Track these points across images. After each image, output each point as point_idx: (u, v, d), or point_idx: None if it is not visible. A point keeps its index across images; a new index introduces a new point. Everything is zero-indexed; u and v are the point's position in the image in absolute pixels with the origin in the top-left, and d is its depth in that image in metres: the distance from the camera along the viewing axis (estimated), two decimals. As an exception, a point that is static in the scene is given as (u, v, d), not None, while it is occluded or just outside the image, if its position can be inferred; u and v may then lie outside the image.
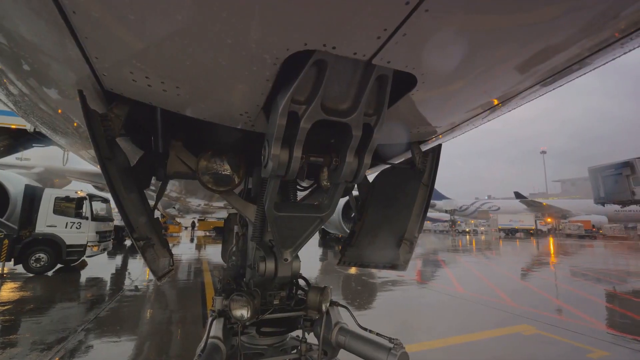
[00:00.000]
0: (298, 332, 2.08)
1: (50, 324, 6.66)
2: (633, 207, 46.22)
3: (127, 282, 11.23)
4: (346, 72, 1.07)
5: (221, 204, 7.14)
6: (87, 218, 12.65)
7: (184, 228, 42.68)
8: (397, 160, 2.27)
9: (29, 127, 11.11)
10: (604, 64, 1.25)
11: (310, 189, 2.42)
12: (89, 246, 12.47)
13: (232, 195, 1.93)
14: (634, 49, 1.15)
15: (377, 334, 1.76)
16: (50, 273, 11.94)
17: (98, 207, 13.93)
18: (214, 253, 20.50)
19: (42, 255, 11.75)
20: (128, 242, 24.71)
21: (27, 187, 12.55)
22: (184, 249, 23.28)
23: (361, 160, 1.29)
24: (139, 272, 13.21)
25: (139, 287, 10.49)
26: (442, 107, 1.45)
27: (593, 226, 45.75)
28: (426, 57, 1.02)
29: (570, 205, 52.24)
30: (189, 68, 1.07)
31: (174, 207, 16.48)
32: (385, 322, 7.31)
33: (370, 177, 2.51)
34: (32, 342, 5.64)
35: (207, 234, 39.22)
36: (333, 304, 2.00)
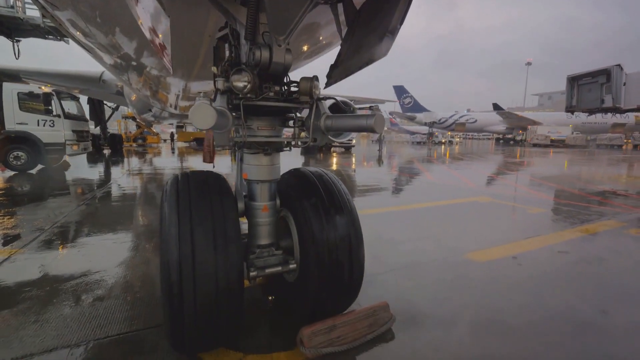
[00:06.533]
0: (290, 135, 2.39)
1: (45, 205, 7.04)
2: (599, 119, 48.77)
3: (111, 178, 11.53)
4: None
5: (202, 82, 6.91)
6: (59, 116, 12.08)
7: (162, 140, 41.68)
8: None
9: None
10: None
11: None
12: (68, 144, 12.25)
13: None
14: None
15: (360, 109, 2.08)
16: (33, 171, 11.93)
17: (68, 105, 13.19)
18: (198, 162, 20.67)
19: (20, 153, 11.54)
20: (107, 152, 24.27)
21: (-19, 81, 11.49)
22: (167, 160, 23.23)
23: None
24: (119, 173, 13.45)
25: (121, 181, 10.83)
26: None
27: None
28: None
29: (543, 117, 54.13)
30: None
31: (149, 110, 15.83)
32: (375, 199, 8.22)
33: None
34: (26, 220, 6.06)
35: (188, 145, 38.71)
36: (321, 99, 2.27)
